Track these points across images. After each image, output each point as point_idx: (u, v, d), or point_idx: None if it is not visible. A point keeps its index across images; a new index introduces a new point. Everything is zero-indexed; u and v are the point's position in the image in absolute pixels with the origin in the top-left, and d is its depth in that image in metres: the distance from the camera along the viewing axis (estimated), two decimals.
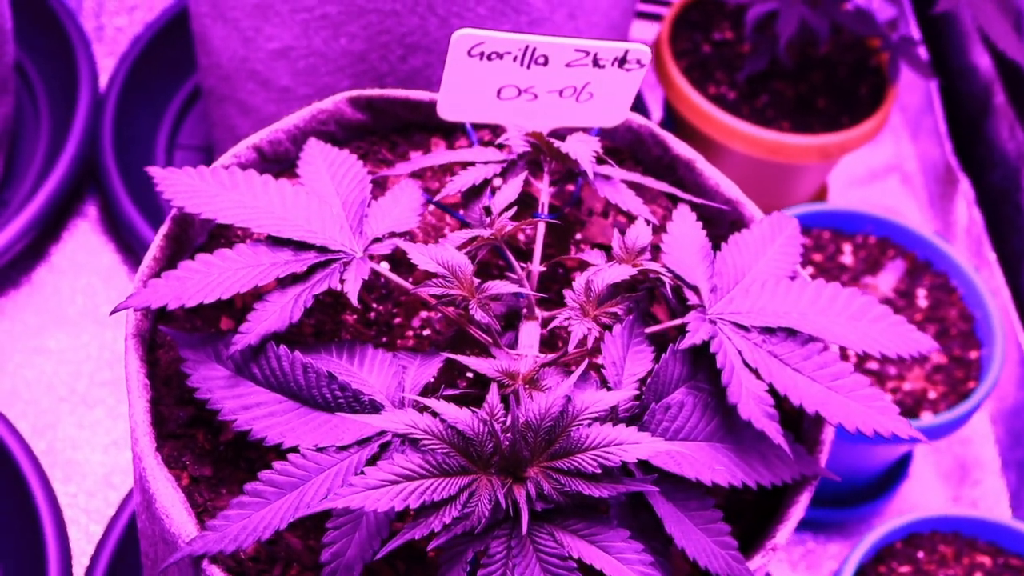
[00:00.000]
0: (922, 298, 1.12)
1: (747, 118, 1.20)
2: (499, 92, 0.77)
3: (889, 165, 1.41)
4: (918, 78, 1.38)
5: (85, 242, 1.22)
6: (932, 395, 1.06)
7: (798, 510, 0.69)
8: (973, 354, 1.09)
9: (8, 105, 1.19)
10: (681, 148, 0.82)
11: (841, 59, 1.25)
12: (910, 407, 1.05)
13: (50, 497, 1.02)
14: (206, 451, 0.69)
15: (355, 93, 0.80)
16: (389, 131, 0.83)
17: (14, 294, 1.18)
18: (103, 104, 1.25)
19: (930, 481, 1.20)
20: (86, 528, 1.06)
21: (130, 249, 1.21)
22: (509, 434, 0.59)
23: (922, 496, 1.18)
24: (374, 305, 0.74)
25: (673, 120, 1.26)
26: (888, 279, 1.09)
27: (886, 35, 1.18)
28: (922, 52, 1.30)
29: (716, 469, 0.64)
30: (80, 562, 1.03)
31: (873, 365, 1.07)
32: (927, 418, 1.04)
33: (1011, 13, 1.18)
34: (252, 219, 0.68)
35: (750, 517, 0.71)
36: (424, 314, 0.74)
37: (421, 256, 0.65)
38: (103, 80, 1.31)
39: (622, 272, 0.65)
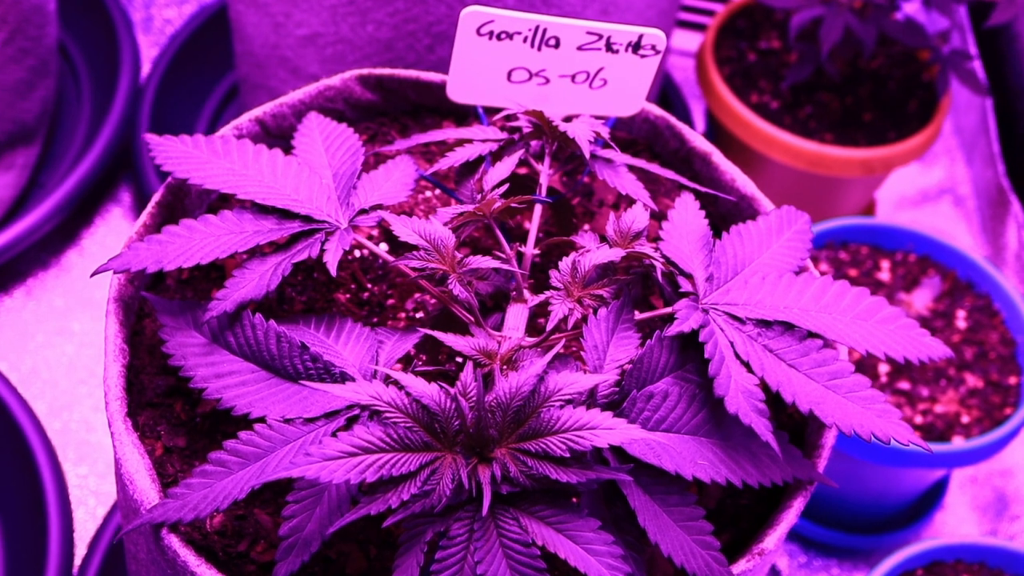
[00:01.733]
0: (961, 319, 1.08)
1: (788, 128, 1.17)
2: (510, 75, 0.75)
3: (942, 187, 1.37)
4: (976, 99, 1.34)
5: (116, 227, 1.22)
6: (965, 419, 1.02)
7: (790, 515, 0.66)
8: (1012, 380, 1.05)
9: (49, 88, 1.19)
10: (698, 141, 0.79)
11: (891, 73, 1.22)
12: (941, 430, 1.01)
13: (57, 477, 1.01)
14: (182, 422, 0.67)
15: (365, 71, 0.79)
16: (400, 113, 0.81)
17: (42, 275, 1.18)
18: (143, 92, 1.25)
19: (966, 513, 1.15)
20: (93, 510, 1.05)
21: None
22: (477, 412, 0.56)
23: (956, 527, 1.14)
24: (368, 286, 0.72)
25: (715, 131, 1.23)
26: (923, 296, 1.06)
27: (936, 47, 1.14)
28: (977, 68, 1.26)
29: (699, 464, 0.61)
30: (84, 541, 1.02)
31: (905, 385, 1.04)
32: (958, 442, 1.00)
33: None
34: (240, 186, 0.66)
35: (746, 523, 0.68)
36: (418, 296, 0.72)
37: (403, 228, 0.63)
38: (146, 69, 1.31)
39: (610, 254, 0.63)
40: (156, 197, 0.72)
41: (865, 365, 1.04)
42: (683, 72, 1.39)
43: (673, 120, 0.80)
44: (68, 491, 1.02)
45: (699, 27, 1.40)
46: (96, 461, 1.08)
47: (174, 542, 0.60)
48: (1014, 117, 1.29)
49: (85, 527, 1.04)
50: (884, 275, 1.09)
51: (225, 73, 1.32)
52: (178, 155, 0.69)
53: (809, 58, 1.16)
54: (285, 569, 0.58)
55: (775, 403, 0.72)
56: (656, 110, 0.80)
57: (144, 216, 0.71)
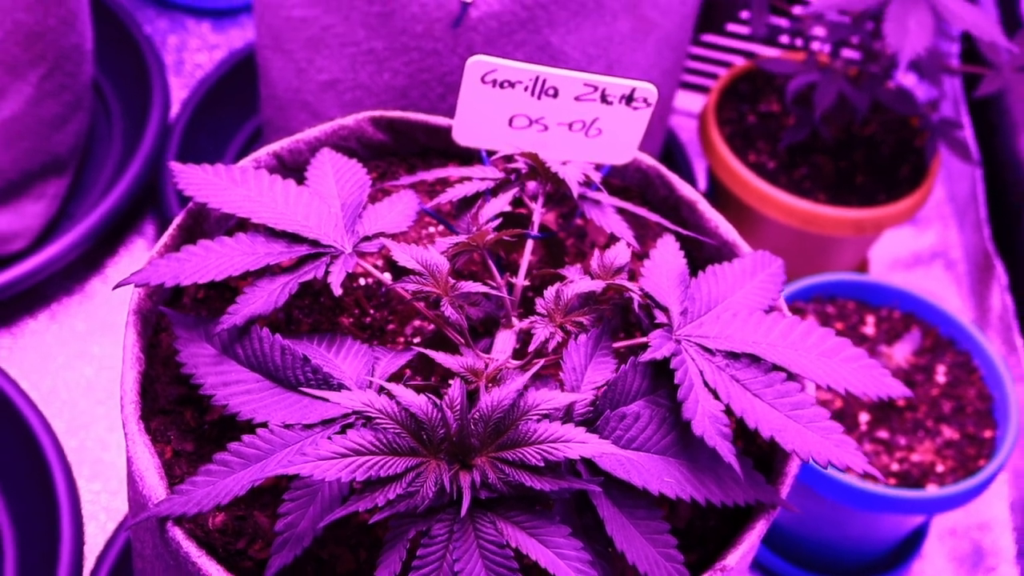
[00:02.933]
0: (941, 374, 1.12)
1: (784, 187, 1.23)
2: (511, 121, 0.81)
3: (934, 251, 1.42)
4: (968, 168, 1.39)
5: (139, 258, 1.28)
6: (940, 468, 1.06)
7: (752, 536, 0.70)
8: (988, 433, 1.09)
9: (82, 122, 1.26)
10: (685, 189, 0.85)
11: (884, 139, 1.27)
12: (916, 478, 1.06)
13: (71, 491, 1.06)
14: (191, 428, 0.72)
15: (377, 113, 0.85)
16: (409, 154, 0.87)
17: (66, 300, 1.24)
18: (172, 131, 1.32)
19: (943, 563, 1.19)
20: (104, 525, 1.10)
21: None
22: (461, 422, 0.61)
23: None
24: (371, 311, 0.78)
25: (715, 188, 1.29)
26: (903, 349, 1.10)
27: (926, 115, 1.20)
28: (967, 136, 1.31)
29: (666, 481, 0.66)
30: (93, 554, 1.07)
31: (883, 434, 1.08)
32: (932, 490, 1.04)
33: None
34: (254, 211, 0.72)
35: (712, 544, 0.73)
36: (417, 323, 0.78)
37: (402, 254, 0.68)
38: (175, 110, 1.37)
39: (591, 285, 0.68)
40: (177, 220, 0.77)
41: (845, 414, 1.08)
42: (687, 132, 1.45)
43: (663, 169, 0.86)
44: (81, 505, 1.07)
45: (703, 89, 1.46)
46: (109, 478, 1.13)
47: (178, 535, 0.65)
48: (1003, 186, 1.34)
49: (95, 540, 1.08)
50: (869, 329, 1.14)
51: (250, 116, 1.38)
52: (199, 182, 0.74)
53: (805, 121, 1.22)
54: (279, 562, 0.63)
55: (746, 435, 0.76)
56: (648, 160, 0.86)
57: (165, 237, 0.76)
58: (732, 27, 1.40)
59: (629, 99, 0.80)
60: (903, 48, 1.02)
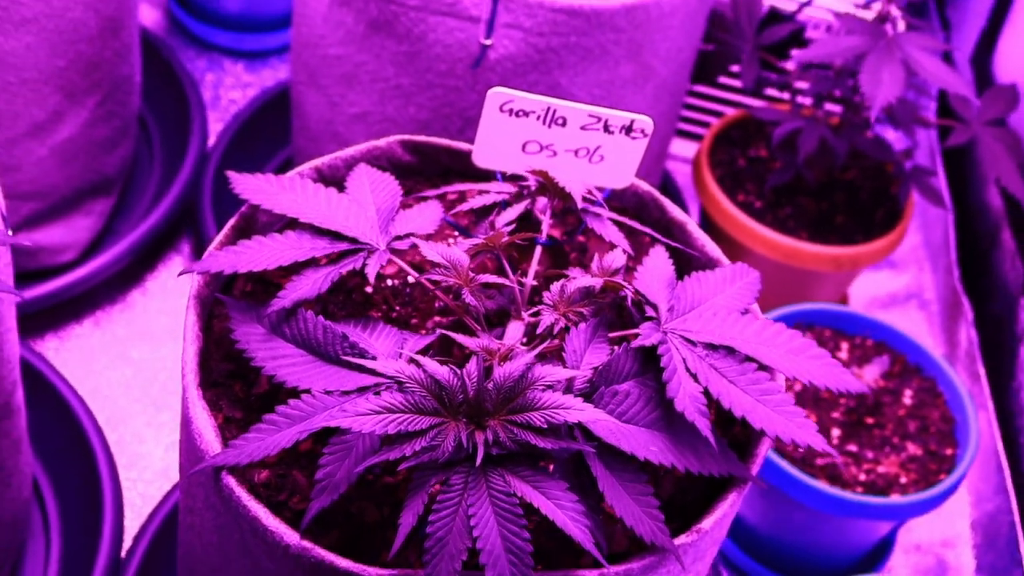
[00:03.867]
0: (908, 397, 1.23)
1: (769, 225, 1.34)
2: (524, 146, 0.92)
3: (909, 292, 1.53)
4: (943, 216, 1.50)
5: (176, 273, 1.39)
6: (903, 480, 1.17)
7: (725, 506, 0.81)
8: (949, 451, 1.20)
9: (128, 148, 1.37)
10: (676, 212, 0.96)
11: (863, 184, 1.39)
12: (881, 487, 1.16)
13: (113, 477, 1.17)
14: (240, 399, 0.83)
15: (406, 137, 0.96)
16: (433, 174, 0.98)
17: (109, 309, 1.35)
18: (208, 159, 1.43)
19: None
20: (140, 510, 1.20)
21: None
22: (477, 389, 0.72)
23: None
24: (397, 308, 0.89)
25: (707, 225, 1.40)
26: (872, 371, 1.21)
27: (900, 163, 1.32)
28: (940, 184, 1.42)
29: (651, 449, 0.76)
30: (129, 535, 1.17)
31: (853, 448, 1.19)
32: (894, 498, 1.14)
33: (1018, 154, 1.31)
34: (301, 212, 0.83)
35: (692, 513, 0.83)
36: (437, 318, 0.89)
37: (430, 249, 0.79)
38: (211, 141, 1.49)
39: (591, 281, 0.79)
40: (231, 222, 0.89)
41: (819, 428, 1.19)
42: (683, 176, 1.57)
43: (657, 194, 0.97)
44: (122, 491, 1.17)
45: (697, 137, 1.57)
46: (144, 469, 1.23)
47: (231, 482, 0.76)
48: (973, 232, 1.45)
49: (131, 523, 1.19)
50: (843, 354, 1.25)
51: (280, 148, 1.50)
52: (253, 187, 0.86)
53: (790, 165, 1.33)
54: (318, 505, 0.74)
55: (723, 424, 0.87)
56: (644, 185, 0.97)
57: (220, 236, 0.88)
58: (724, 80, 1.52)
59: (628, 130, 0.91)
60: (876, 97, 1.14)
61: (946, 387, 1.24)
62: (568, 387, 0.76)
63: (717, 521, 0.80)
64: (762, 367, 0.80)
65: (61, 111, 1.24)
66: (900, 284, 1.54)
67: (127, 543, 1.16)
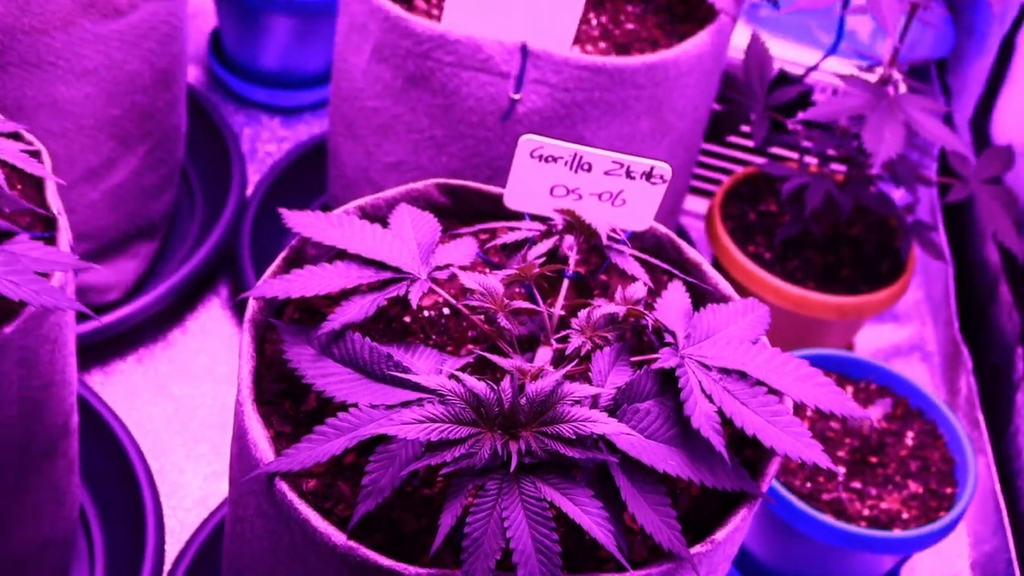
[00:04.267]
0: (910, 438, 1.29)
1: (778, 275, 1.41)
2: (552, 190, 1.00)
3: (912, 344, 1.60)
4: (944, 272, 1.58)
5: (215, 315, 1.47)
6: (905, 516, 1.23)
7: (737, 520, 0.87)
8: (948, 490, 1.26)
9: (172, 195, 1.46)
10: (692, 253, 1.03)
11: (867, 238, 1.46)
12: (884, 523, 1.22)
13: (156, 504, 1.23)
14: (290, 416, 0.90)
15: (442, 180, 1.04)
16: (466, 215, 1.06)
17: (151, 347, 1.42)
18: (246, 207, 1.51)
19: None
20: (179, 536, 1.27)
21: None
22: (512, 404, 0.79)
23: None
24: (433, 336, 0.96)
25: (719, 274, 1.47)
26: (875, 412, 1.28)
27: (902, 217, 1.39)
28: (940, 239, 1.50)
29: (669, 463, 0.83)
30: (169, 559, 1.23)
31: (857, 484, 1.25)
32: (897, 532, 1.21)
33: (1014, 211, 1.38)
34: (349, 244, 0.91)
35: (706, 527, 0.89)
36: (470, 347, 0.96)
37: (468, 278, 0.87)
38: (249, 190, 1.57)
39: (615, 308, 0.86)
40: (283, 254, 0.96)
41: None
42: (696, 232, 1.64)
43: (674, 236, 1.04)
44: (164, 516, 1.24)
45: (709, 194, 1.65)
46: (184, 497, 1.30)
47: (284, 487, 0.83)
48: (972, 286, 1.53)
49: (171, 548, 1.25)
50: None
51: (314, 197, 1.58)
52: (304, 222, 0.93)
53: (798, 219, 1.41)
54: (364, 508, 0.80)
55: (735, 447, 0.94)
56: (662, 228, 1.05)
57: (273, 266, 0.95)
58: (734, 139, 1.60)
59: (649, 175, 0.99)
60: (878, 152, 1.22)
61: (946, 430, 1.30)
62: (594, 403, 0.83)
63: (729, 534, 0.87)
64: (772, 391, 0.87)
65: (114, 158, 1.32)
66: (903, 336, 1.61)
67: (167, 567, 1.23)
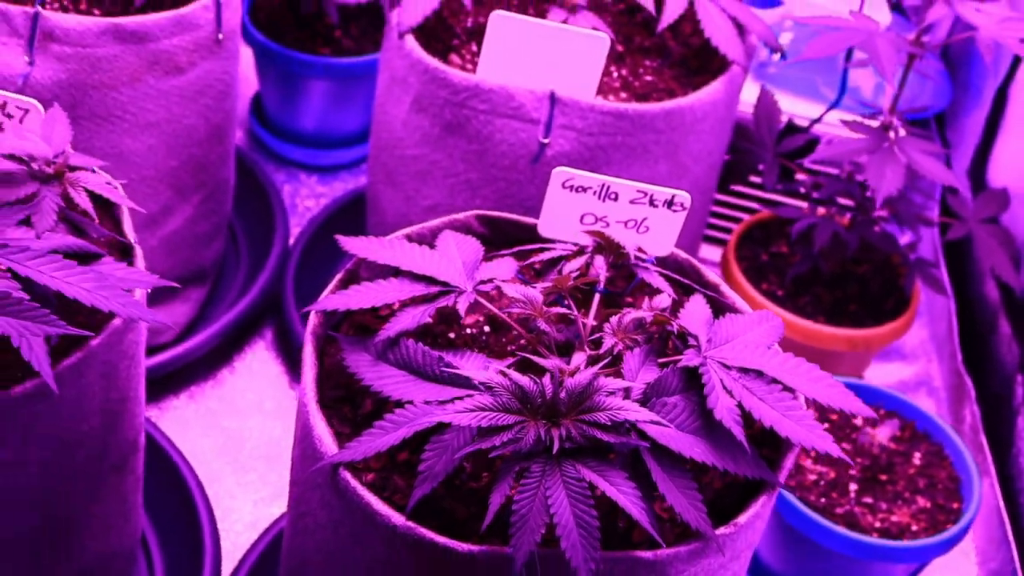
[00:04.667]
0: (917, 458, 1.38)
1: (790, 310, 1.51)
2: (582, 218, 1.10)
3: (919, 380, 1.69)
4: (947, 311, 1.67)
5: (260, 356, 1.56)
6: (914, 528, 1.31)
7: (758, 506, 0.96)
8: (955, 505, 1.34)
9: (221, 244, 1.56)
10: (710, 275, 1.13)
11: (873, 277, 1.56)
12: (894, 534, 1.30)
13: (212, 525, 1.32)
14: (348, 418, 0.99)
15: (481, 212, 1.14)
16: (502, 244, 1.16)
17: (202, 384, 1.52)
18: (289, 256, 1.61)
19: None
20: (232, 556, 1.35)
21: (295, 364, 1.54)
22: (553, 395, 0.88)
23: None
24: (475, 350, 1.05)
25: None
26: (884, 432, 1.36)
27: (905, 254, 1.49)
28: (941, 274, 1.59)
29: (695, 450, 0.92)
30: None
31: (868, 499, 1.33)
32: (907, 542, 1.29)
33: (1011, 248, 1.48)
34: (401, 263, 1.00)
35: (730, 514, 0.98)
36: (509, 360, 1.05)
37: (510, 288, 0.96)
38: (291, 241, 1.67)
39: (643, 314, 0.96)
40: (339, 276, 1.06)
41: (837, 483, 1.34)
42: None
43: (694, 261, 1.14)
44: (220, 540, 1.32)
45: (722, 242, 1.75)
46: (236, 521, 1.38)
47: (347, 476, 0.92)
48: (973, 320, 1.62)
49: (223, 568, 1.33)
50: (858, 421, 1.40)
51: None
52: (360, 246, 1.03)
53: (807, 257, 1.51)
54: (420, 491, 0.89)
55: (756, 444, 1.02)
56: (682, 254, 1.14)
57: (331, 286, 1.05)
58: (743, 189, 1.70)
59: (670, 203, 1.09)
60: (880, 189, 1.32)
61: (952, 451, 1.39)
62: (626, 396, 0.92)
63: (750, 519, 0.95)
64: (786, 388, 0.96)
65: (171, 206, 1.43)
66: (910, 372, 1.70)
67: None
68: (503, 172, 1.33)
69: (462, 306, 0.98)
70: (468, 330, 1.07)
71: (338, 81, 1.75)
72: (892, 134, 1.40)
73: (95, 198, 1.05)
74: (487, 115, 1.30)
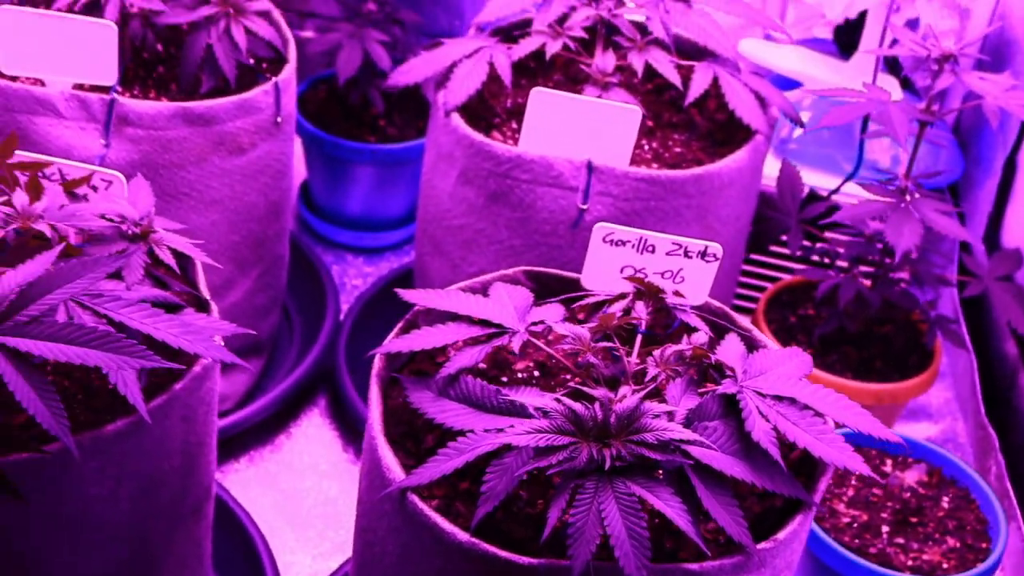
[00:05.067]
0: (945, 502, 1.44)
1: (819, 367, 1.58)
2: (621, 270, 1.19)
3: (945, 437, 1.76)
4: (970, 370, 1.74)
5: (315, 422, 1.65)
6: (945, 566, 1.37)
7: (795, 524, 1.03)
8: (983, 545, 1.40)
9: (276, 317, 1.65)
10: (743, 321, 1.21)
11: (896, 336, 1.63)
12: (926, 571, 1.36)
13: (275, 573, 1.39)
14: (411, 452, 1.07)
15: (527, 268, 1.23)
16: (548, 296, 1.24)
17: (260, 449, 1.60)
18: (340, 329, 1.70)
19: None
20: None
21: (352, 430, 1.63)
22: (604, 419, 0.96)
23: None
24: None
25: None
26: (911, 476, 1.43)
27: (926, 311, 1.57)
28: (961, 330, 1.66)
29: (735, 469, 0.99)
30: None
31: (900, 540, 1.39)
32: None
33: None
34: (459, 309, 1.09)
35: (770, 531, 1.05)
36: (560, 391, 1.13)
37: (560, 326, 1.05)
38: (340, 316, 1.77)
39: (684, 347, 1.04)
40: (399, 325, 1.15)
41: (870, 525, 1.40)
42: None
43: (727, 308, 1.22)
44: None
45: (749, 310, 1.83)
46: (297, 574, 1.46)
47: (415, 499, 0.99)
48: (994, 378, 1.69)
49: None
50: (887, 468, 1.47)
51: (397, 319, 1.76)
52: (419, 296, 1.12)
53: (833, 316, 1.59)
54: (483, 510, 0.97)
55: (794, 472, 1.09)
56: (716, 303, 1.23)
57: (393, 332, 1.13)
58: (765, 259, 1.79)
59: (703, 254, 1.18)
60: (899, 245, 1.40)
61: (978, 495, 1.45)
62: (670, 419, 1.00)
63: (788, 536, 1.02)
64: (817, 414, 1.04)
65: (232, 279, 1.52)
66: (936, 431, 1.76)
67: None
68: (544, 237, 1.42)
69: (516, 344, 1.06)
70: (519, 375, 1.15)
71: (384, 166, 1.86)
72: (908, 196, 1.49)
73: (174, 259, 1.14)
74: (529, 184, 1.40)
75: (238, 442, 1.59)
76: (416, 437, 1.08)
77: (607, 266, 1.18)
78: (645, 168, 1.45)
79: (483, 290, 1.20)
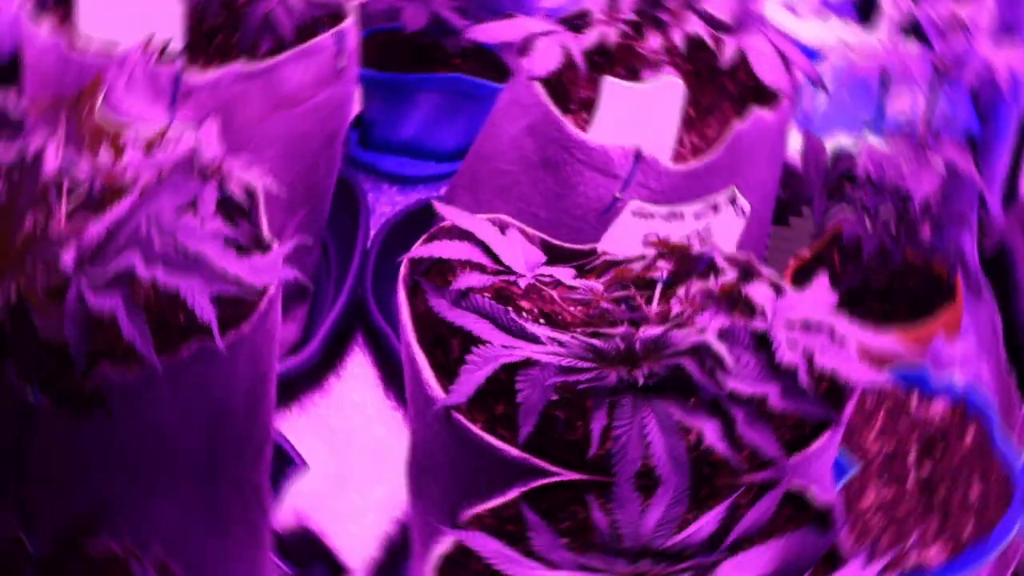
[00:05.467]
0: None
1: None
2: (645, 238, 1.23)
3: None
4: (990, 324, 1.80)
5: (359, 360, 1.70)
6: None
7: (824, 439, 1.10)
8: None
9: (317, 254, 1.71)
10: (768, 271, 1.26)
11: (920, 287, 1.69)
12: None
13: None
14: (441, 363, 1.13)
15: (544, 237, 1.28)
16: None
17: (310, 394, 1.67)
18: (367, 257, 1.74)
19: None
20: None
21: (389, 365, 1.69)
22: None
23: None
24: None
25: None
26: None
27: (947, 253, 1.62)
28: (980, 280, 1.73)
29: (767, 392, 1.06)
30: None
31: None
32: None
33: None
34: (480, 234, 1.19)
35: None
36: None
37: (569, 279, 1.15)
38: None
39: (711, 284, 1.11)
40: (424, 237, 1.22)
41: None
42: None
43: (754, 259, 1.27)
44: None
45: None
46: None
47: (461, 418, 1.07)
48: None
49: None
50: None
51: None
52: (450, 212, 1.22)
53: (858, 272, 1.65)
54: (526, 428, 1.04)
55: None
56: (741, 254, 1.28)
57: (420, 241, 1.21)
58: None
59: (733, 201, 1.25)
60: (918, 191, 1.47)
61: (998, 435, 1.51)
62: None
63: (817, 450, 1.09)
64: (843, 342, 1.11)
65: (282, 225, 1.59)
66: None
67: None
68: (572, 219, 1.47)
69: (522, 284, 1.14)
70: (524, 314, 1.20)
71: (452, 95, 1.89)
72: (927, 144, 1.55)
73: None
74: (580, 163, 1.45)
75: (288, 389, 1.66)
76: (444, 345, 1.15)
77: (630, 235, 1.25)
78: (683, 165, 1.48)
79: (503, 230, 1.25)
